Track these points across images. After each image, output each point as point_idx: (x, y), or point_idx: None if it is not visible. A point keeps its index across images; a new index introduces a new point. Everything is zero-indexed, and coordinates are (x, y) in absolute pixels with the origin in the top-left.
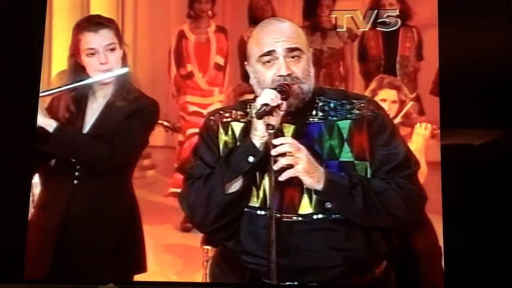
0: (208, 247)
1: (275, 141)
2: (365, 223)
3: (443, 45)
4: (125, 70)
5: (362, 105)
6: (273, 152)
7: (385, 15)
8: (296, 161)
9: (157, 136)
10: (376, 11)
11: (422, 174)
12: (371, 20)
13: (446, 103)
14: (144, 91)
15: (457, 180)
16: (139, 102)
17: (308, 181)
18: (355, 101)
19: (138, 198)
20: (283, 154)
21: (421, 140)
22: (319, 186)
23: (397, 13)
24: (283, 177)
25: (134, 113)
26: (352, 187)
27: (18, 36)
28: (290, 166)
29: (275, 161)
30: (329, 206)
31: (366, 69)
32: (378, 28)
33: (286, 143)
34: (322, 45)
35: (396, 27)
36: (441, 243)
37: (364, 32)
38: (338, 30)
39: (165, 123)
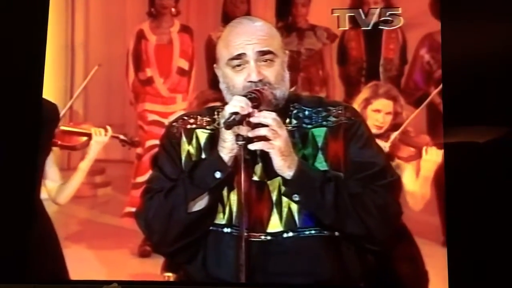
0: (170, 274)
1: (258, 113)
2: (335, 225)
3: (446, 42)
4: None
5: (339, 112)
6: (254, 119)
7: (387, 14)
8: (275, 136)
9: (112, 149)
10: (378, 9)
11: (424, 199)
12: (373, 19)
13: (449, 100)
14: (97, 98)
15: (460, 179)
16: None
17: (279, 163)
18: (331, 108)
19: (89, 220)
20: (263, 126)
21: (431, 167)
22: (289, 173)
23: (400, 12)
24: (255, 146)
25: None
26: (324, 182)
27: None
28: (266, 139)
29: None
30: (297, 198)
31: (346, 73)
32: (380, 27)
33: (270, 117)
34: (299, 46)
35: (398, 26)
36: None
37: (344, 31)
38: (340, 28)
39: (121, 137)
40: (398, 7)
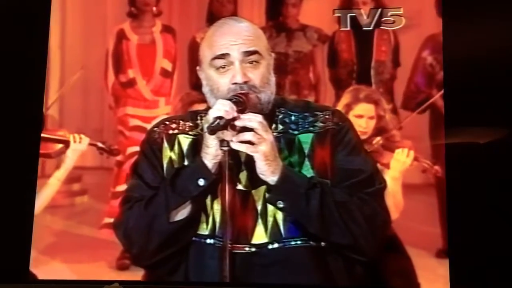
0: None
1: (243, 116)
2: (320, 233)
3: (448, 41)
4: None
5: (327, 117)
6: (239, 122)
7: (388, 14)
8: (261, 141)
9: (90, 156)
10: (380, 10)
11: (398, 208)
12: (375, 20)
13: (451, 101)
14: (73, 102)
15: (461, 180)
16: None
17: (263, 168)
18: (318, 113)
19: (64, 231)
20: (249, 129)
21: (399, 167)
22: (273, 179)
23: (401, 12)
24: (239, 146)
25: None
26: (310, 188)
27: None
28: (251, 143)
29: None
30: (281, 205)
31: (336, 76)
32: (382, 27)
33: (256, 120)
34: (287, 48)
35: (400, 26)
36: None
37: (334, 33)
38: (342, 29)
39: (100, 144)
40: (400, 7)
